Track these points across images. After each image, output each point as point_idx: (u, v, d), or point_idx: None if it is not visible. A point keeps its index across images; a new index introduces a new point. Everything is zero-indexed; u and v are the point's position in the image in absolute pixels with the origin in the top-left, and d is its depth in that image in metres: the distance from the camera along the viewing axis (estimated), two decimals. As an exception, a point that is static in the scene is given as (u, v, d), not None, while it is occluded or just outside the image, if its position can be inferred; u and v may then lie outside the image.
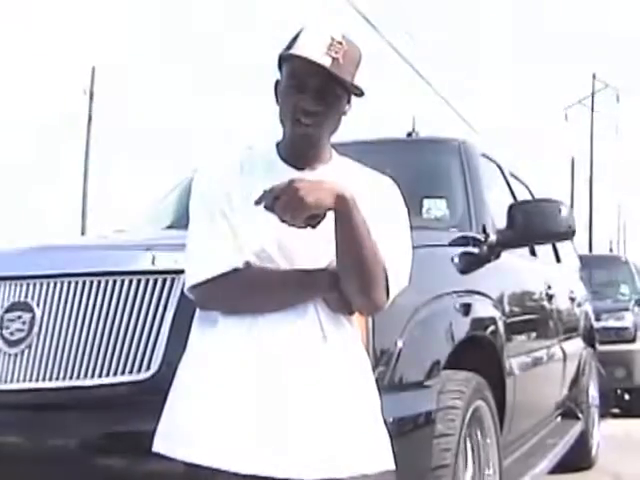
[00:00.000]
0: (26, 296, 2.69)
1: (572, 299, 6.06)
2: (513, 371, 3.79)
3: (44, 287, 2.68)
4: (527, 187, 5.64)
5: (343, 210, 1.90)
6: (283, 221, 1.87)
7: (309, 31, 2.05)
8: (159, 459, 2.00)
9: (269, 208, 1.87)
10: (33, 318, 2.65)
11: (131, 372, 2.53)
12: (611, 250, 36.59)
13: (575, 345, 5.98)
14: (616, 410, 9.43)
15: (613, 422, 8.64)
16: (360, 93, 2.07)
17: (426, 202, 3.89)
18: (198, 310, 2.09)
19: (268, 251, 2.00)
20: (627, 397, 9.65)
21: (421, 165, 4.30)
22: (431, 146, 4.46)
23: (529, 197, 5.42)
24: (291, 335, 1.97)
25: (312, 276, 1.99)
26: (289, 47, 2.05)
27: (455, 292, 3.25)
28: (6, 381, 2.66)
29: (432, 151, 4.40)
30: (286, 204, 1.84)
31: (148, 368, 2.51)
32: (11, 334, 2.67)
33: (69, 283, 2.65)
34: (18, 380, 2.63)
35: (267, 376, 1.95)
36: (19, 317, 2.68)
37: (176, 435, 2.00)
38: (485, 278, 3.68)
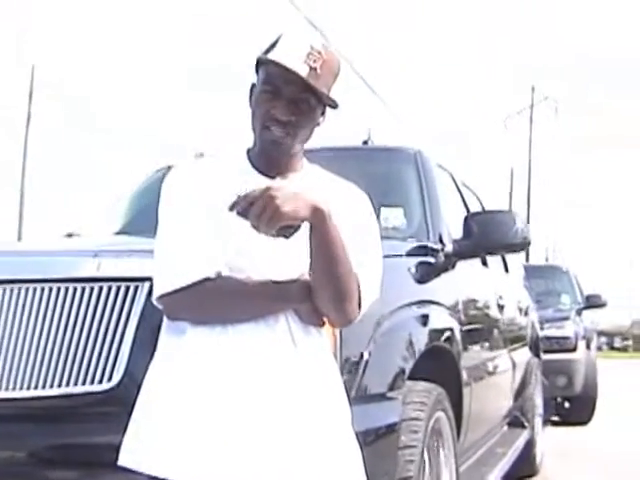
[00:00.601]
0: None
1: (520, 309, 6.11)
2: (469, 381, 3.79)
3: None
4: (477, 197, 5.67)
5: (319, 223, 1.86)
6: (255, 228, 1.81)
7: (289, 38, 2.01)
8: (124, 473, 1.93)
9: (242, 214, 1.80)
10: None
11: (92, 382, 2.44)
12: (547, 259, 37.23)
13: (523, 354, 6.04)
14: (555, 418, 9.56)
15: (553, 430, 8.76)
16: (335, 106, 2.04)
17: (383, 211, 3.85)
18: (166, 319, 2.02)
19: (238, 261, 1.95)
20: (567, 405, 9.79)
21: (377, 174, 4.27)
22: (387, 155, 4.43)
23: (480, 207, 5.45)
24: (261, 345, 1.93)
25: (284, 287, 1.95)
26: (267, 51, 2.01)
27: (415, 303, 3.23)
28: None
29: (388, 160, 4.38)
30: (261, 211, 1.78)
31: (110, 379, 2.43)
32: None
33: (21, 289, 2.55)
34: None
35: (236, 386, 1.90)
36: None
37: (142, 448, 1.94)
38: (442, 288, 3.67)
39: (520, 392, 5.96)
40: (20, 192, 29.46)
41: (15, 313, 2.53)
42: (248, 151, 2.11)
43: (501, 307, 5.04)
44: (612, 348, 39.33)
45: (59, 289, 2.52)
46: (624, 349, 40.80)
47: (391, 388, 2.80)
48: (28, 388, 2.47)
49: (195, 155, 5.03)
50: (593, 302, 11.04)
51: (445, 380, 3.34)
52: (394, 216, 3.88)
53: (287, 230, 1.82)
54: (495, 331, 4.84)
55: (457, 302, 3.81)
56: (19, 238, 29.87)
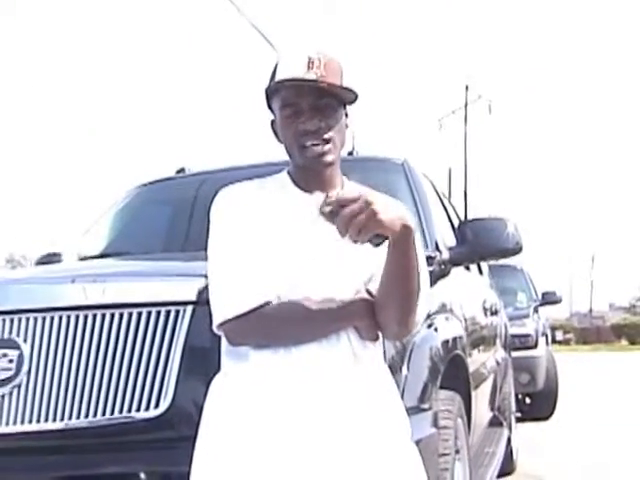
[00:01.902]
0: (10, 332, 2.52)
1: (496, 310, 6.20)
2: (475, 385, 3.84)
3: (31, 322, 2.51)
4: (452, 205, 5.74)
5: (405, 239, 1.85)
6: (340, 232, 1.77)
7: (286, 57, 2.04)
8: None
9: (329, 216, 1.77)
10: (21, 356, 2.49)
11: (138, 410, 2.40)
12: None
13: (500, 354, 6.13)
14: (518, 414, 9.71)
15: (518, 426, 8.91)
16: (354, 97, 2.05)
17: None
18: (226, 344, 2.02)
19: (296, 280, 1.96)
20: (528, 401, 9.95)
21: (367, 185, 4.29)
22: (375, 165, 4.43)
23: (455, 215, 5.52)
24: (326, 363, 1.94)
25: (346, 306, 1.96)
26: (271, 80, 2.03)
27: (431, 313, 3.25)
28: None
29: (377, 170, 4.38)
30: (353, 215, 1.76)
31: (157, 405, 2.40)
32: None
33: (62, 317, 2.50)
34: (8, 423, 2.47)
35: (305, 408, 1.91)
36: (4, 355, 2.50)
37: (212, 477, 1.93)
38: (445, 296, 3.71)
39: (499, 392, 6.05)
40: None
41: (58, 341, 2.48)
42: (288, 172, 2.12)
43: (485, 310, 5.11)
44: (554, 341, 40.07)
45: (96, 315, 2.48)
46: (566, 342, 41.56)
47: (427, 399, 2.84)
48: (70, 418, 2.43)
49: (176, 170, 5.01)
50: (548, 299, 11.25)
51: (458, 386, 3.39)
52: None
53: (377, 238, 1.80)
54: (485, 334, 4.92)
55: (459, 309, 3.86)
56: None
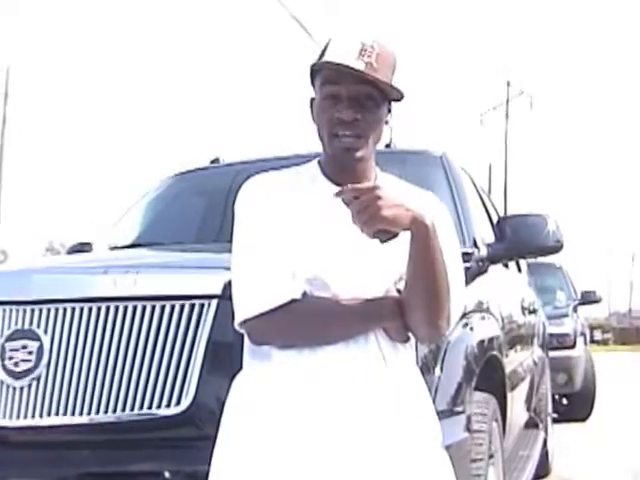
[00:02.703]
0: (31, 323, 2.45)
1: (534, 309, 6.06)
2: (511, 386, 3.73)
3: (52, 313, 2.44)
4: (491, 200, 5.62)
5: (422, 236, 1.78)
6: (354, 222, 1.74)
7: (338, 39, 1.93)
8: None
9: (346, 204, 1.74)
10: (41, 347, 2.42)
11: (159, 407, 2.32)
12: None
13: (538, 353, 5.99)
14: (554, 415, 9.55)
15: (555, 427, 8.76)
16: (400, 96, 1.95)
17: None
18: (249, 343, 1.92)
19: (323, 278, 1.86)
20: (565, 402, 9.78)
21: (404, 178, 4.18)
22: (413, 158, 4.32)
23: (494, 210, 5.40)
24: (353, 366, 1.85)
25: (376, 305, 1.86)
26: (319, 58, 1.92)
27: (467, 312, 3.14)
28: (11, 417, 2.42)
29: (415, 163, 4.27)
30: (363, 207, 1.71)
31: (178, 403, 2.32)
32: (15, 365, 2.43)
33: (82, 309, 2.42)
34: (26, 416, 2.40)
35: (330, 411, 1.82)
36: (24, 346, 2.44)
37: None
38: (482, 295, 3.60)
39: (536, 393, 5.92)
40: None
41: (78, 333, 2.42)
42: (319, 162, 2.02)
43: (523, 309, 4.98)
44: (592, 341, 39.69)
45: (118, 308, 2.41)
46: (604, 342, 41.09)
47: (461, 402, 2.74)
48: (89, 413, 2.37)
49: (210, 160, 4.94)
50: (588, 298, 11.05)
51: (493, 388, 3.28)
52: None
53: (384, 235, 1.75)
54: (522, 333, 4.80)
55: (496, 308, 3.74)
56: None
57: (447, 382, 2.69)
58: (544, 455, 6.31)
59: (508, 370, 3.67)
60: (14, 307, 2.49)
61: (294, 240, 1.86)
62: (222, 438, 1.90)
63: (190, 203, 4.60)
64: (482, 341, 3.12)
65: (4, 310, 2.50)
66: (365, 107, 1.89)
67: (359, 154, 1.91)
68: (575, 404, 9.74)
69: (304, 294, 1.84)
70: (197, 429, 2.28)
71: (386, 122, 1.98)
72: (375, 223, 1.72)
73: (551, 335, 9.34)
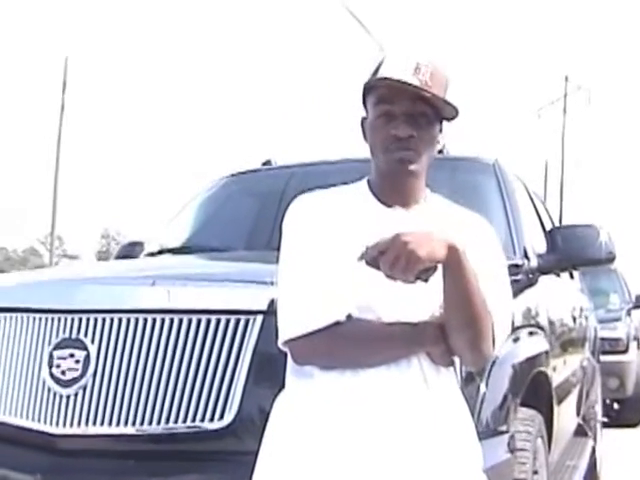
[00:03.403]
0: (78, 332, 2.49)
1: (585, 316, 5.98)
2: (558, 400, 3.69)
3: (100, 323, 2.48)
4: (545, 207, 5.55)
5: (454, 263, 1.76)
6: (390, 277, 1.72)
7: (393, 57, 1.93)
8: None
9: (372, 264, 1.72)
10: (88, 357, 2.46)
11: (203, 420, 2.34)
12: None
13: (588, 362, 5.92)
14: (605, 419, 9.42)
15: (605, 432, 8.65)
16: (454, 114, 1.94)
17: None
18: (291, 362, 1.93)
19: (368, 301, 1.86)
20: (616, 407, 9.65)
21: (455, 186, 4.15)
22: (465, 165, 4.29)
23: (548, 217, 5.34)
24: (395, 388, 1.84)
25: (419, 330, 1.86)
26: (372, 76, 1.93)
27: (515, 326, 3.11)
28: (58, 425, 2.46)
29: (467, 171, 4.25)
30: (395, 258, 1.69)
31: (222, 417, 2.33)
32: (63, 373, 2.47)
33: (129, 320, 2.45)
34: (72, 424, 2.44)
35: (370, 433, 1.82)
36: (71, 355, 2.48)
37: None
38: (531, 307, 3.56)
39: (585, 401, 5.85)
40: (54, 184, 29.62)
41: (125, 344, 2.45)
42: (368, 181, 2.02)
43: (574, 318, 4.92)
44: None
45: (165, 320, 2.43)
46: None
47: (504, 420, 2.71)
48: (134, 424, 2.39)
49: (262, 162, 4.96)
50: (643, 302, 10.86)
51: (540, 403, 3.25)
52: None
53: (425, 273, 1.73)
54: (572, 343, 4.74)
55: (545, 320, 3.71)
56: (52, 231, 30.08)
57: (492, 399, 2.67)
58: (592, 463, 6.24)
59: (556, 383, 3.64)
60: (62, 316, 2.52)
61: (340, 261, 1.86)
62: (263, 457, 1.91)
63: (242, 206, 4.62)
64: (529, 357, 3.09)
65: (52, 319, 2.54)
66: (420, 125, 1.90)
67: (413, 167, 1.91)
68: (626, 409, 9.61)
69: (348, 316, 1.84)
70: (239, 444, 2.29)
71: (438, 142, 1.98)
72: (414, 267, 1.70)
73: (603, 339, 9.20)
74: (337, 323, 1.82)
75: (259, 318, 2.34)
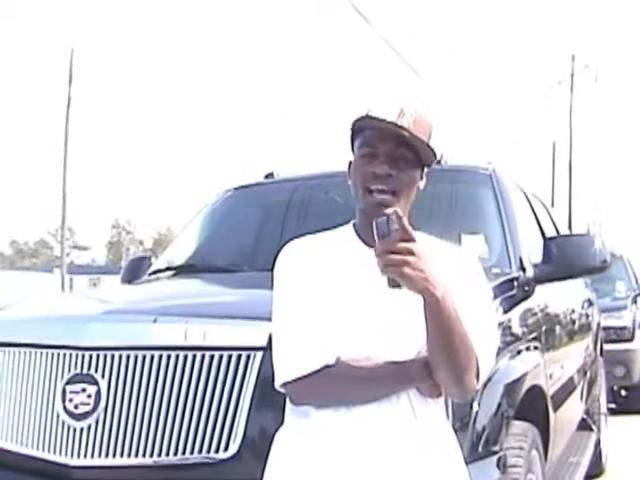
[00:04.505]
0: (89, 368, 2.62)
1: (587, 313, 6.07)
2: (554, 407, 3.79)
3: (109, 359, 2.61)
4: (546, 208, 5.63)
5: (432, 305, 1.85)
6: (376, 256, 1.81)
7: (378, 101, 2.02)
8: None
9: (379, 234, 1.81)
10: (99, 391, 2.59)
11: (209, 451, 2.48)
12: (588, 231, 36.62)
13: (591, 358, 6.00)
14: (612, 406, 9.51)
15: (611, 420, 8.73)
16: (433, 159, 2.04)
17: (464, 239, 3.83)
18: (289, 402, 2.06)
19: (357, 340, 1.97)
20: (624, 393, 9.74)
21: (452, 197, 4.26)
22: (462, 176, 4.38)
23: (550, 221, 5.42)
24: (385, 422, 1.95)
25: (406, 368, 1.96)
26: (359, 120, 2.02)
27: (508, 343, 3.22)
28: (72, 456, 2.60)
29: (463, 182, 4.34)
30: (390, 249, 1.79)
31: (226, 449, 2.47)
32: (75, 407, 2.61)
33: (137, 356, 2.59)
34: (86, 456, 2.58)
35: (364, 465, 1.93)
36: (83, 390, 2.61)
37: None
38: (526, 320, 3.66)
39: (588, 396, 5.94)
40: (63, 176, 29.74)
41: (133, 379, 2.57)
42: (354, 224, 2.12)
43: (573, 321, 5.02)
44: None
45: (170, 356, 2.56)
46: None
47: (496, 440, 2.81)
48: (144, 455, 2.53)
49: (265, 175, 5.05)
50: (649, 289, 10.91)
51: (534, 415, 3.35)
52: (476, 245, 3.85)
53: (394, 281, 1.82)
54: (570, 345, 4.83)
55: (541, 331, 3.81)
56: (63, 223, 30.21)
57: (484, 419, 2.76)
58: (597, 455, 6.34)
59: (553, 391, 3.74)
60: (73, 352, 2.66)
61: (329, 304, 1.98)
62: None
63: (246, 220, 4.72)
64: (522, 374, 3.19)
65: (64, 354, 2.68)
66: (399, 167, 1.98)
67: (391, 211, 1.95)
68: (633, 396, 9.69)
69: (339, 357, 1.96)
70: (243, 473, 2.41)
71: (418, 188, 2.05)
72: (392, 273, 1.79)
73: (609, 328, 9.29)
74: (327, 367, 1.94)
75: (259, 354, 2.47)
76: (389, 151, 1.98)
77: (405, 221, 1.82)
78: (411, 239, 1.81)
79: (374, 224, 1.82)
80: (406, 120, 1.97)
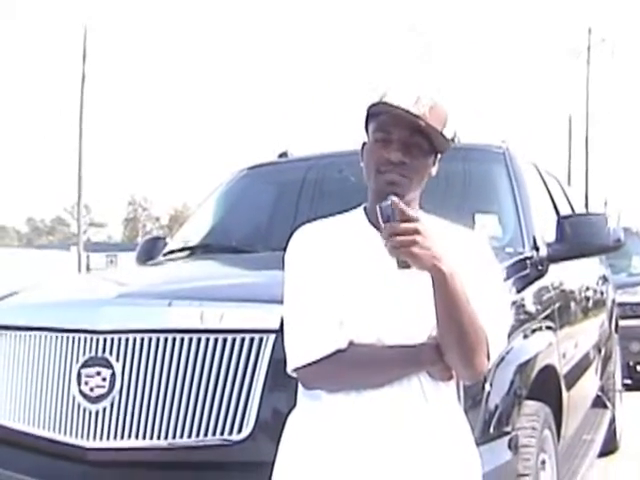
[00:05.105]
0: (104, 351, 2.65)
1: (602, 290, 6.05)
2: (567, 386, 3.80)
3: (123, 342, 2.63)
4: (560, 184, 5.61)
5: (440, 283, 1.87)
6: (383, 237, 1.84)
7: (396, 88, 2.03)
8: None
9: (385, 220, 1.83)
10: (113, 375, 2.62)
11: (222, 433, 2.50)
12: (605, 205, 36.42)
13: (606, 335, 6.00)
14: (628, 382, 9.50)
15: (627, 396, 8.72)
16: (447, 147, 2.04)
17: (478, 218, 3.82)
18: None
19: (368, 324, 1.99)
20: (639, 369, 9.73)
21: (465, 176, 4.24)
22: (475, 155, 4.36)
23: (564, 197, 5.39)
24: (395, 405, 1.97)
25: (416, 352, 1.97)
26: (375, 104, 2.03)
27: (520, 322, 3.22)
28: (88, 438, 2.63)
29: (476, 160, 4.32)
30: (397, 231, 1.81)
31: (240, 430, 2.49)
32: (91, 390, 2.64)
33: (151, 339, 2.61)
34: (101, 438, 2.61)
35: (374, 449, 1.95)
36: (98, 373, 2.64)
37: None
38: (541, 300, 3.66)
39: (602, 373, 5.94)
40: (78, 153, 29.83)
41: (147, 361, 2.60)
42: (365, 208, 2.13)
43: (587, 299, 5.02)
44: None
45: (184, 339, 2.58)
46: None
47: (507, 420, 2.83)
48: (159, 437, 2.56)
49: (279, 154, 5.06)
50: (666, 264, 10.85)
51: (547, 395, 3.36)
52: (490, 224, 3.84)
53: (403, 261, 1.84)
54: (584, 323, 4.83)
55: (554, 310, 3.81)
56: (79, 200, 30.33)
57: (496, 399, 2.77)
58: (612, 432, 6.34)
59: (566, 370, 3.74)
60: (87, 335, 2.69)
61: (340, 289, 1.99)
62: (277, 472, 2.07)
63: (261, 199, 4.73)
64: (535, 354, 3.20)
65: (79, 338, 2.71)
66: (413, 154, 1.99)
67: (400, 191, 1.98)
68: (650, 372, 9.67)
69: (351, 341, 1.97)
70: (257, 456, 2.43)
71: (430, 174, 2.06)
72: (401, 253, 1.82)
73: (625, 304, 9.27)
74: (338, 351, 1.95)
75: (272, 337, 2.49)
76: (403, 138, 1.99)
77: (403, 205, 1.84)
78: (414, 219, 1.83)
79: (378, 209, 1.85)
80: (422, 108, 1.97)
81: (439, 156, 2.06)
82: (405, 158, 1.98)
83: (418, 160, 2.00)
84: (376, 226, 2.03)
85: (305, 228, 2.12)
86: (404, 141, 1.98)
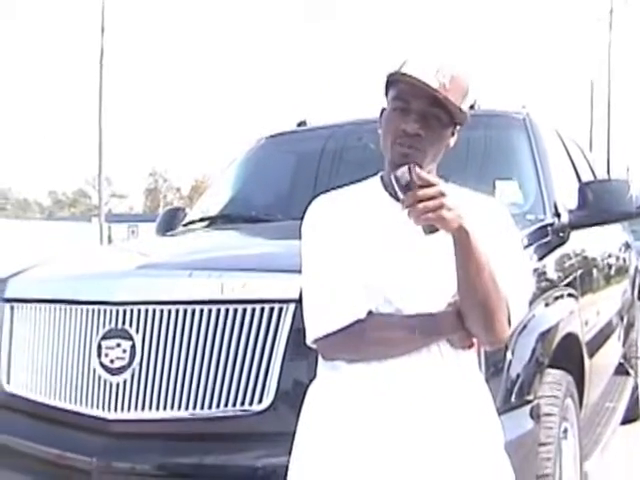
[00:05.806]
0: (124, 323, 2.65)
1: (624, 257, 6.00)
2: (589, 354, 3.77)
3: (143, 314, 2.63)
4: (582, 150, 5.54)
5: (462, 243, 1.85)
6: (404, 206, 1.81)
7: (417, 57, 1.99)
8: None
9: (402, 187, 1.81)
10: (133, 346, 2.62)
11: (243, 404, 2.51)
12: (628, 172, 36.10)
13: (627, 302, 5.95)
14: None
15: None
16: (466, 119, 2.01)
17: (498, 185, 3.79)
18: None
19: (387, 293, 1.97)
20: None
21: (486, 142, 4.20)
22: (495, 121, 4.31)
23: (587, 164, 5.33)
24: (415, 373, 1.96)
25: (436, 320, 1.96)
26: (395, 71, 2.00)
27: (543, 289, 3.20)
28: (109, 410, 2.64)
29: (498, 126, 4.27)
30: (418, 198, 1.79)
31: (260, 401, 2.50)
32: (111, 362, 2.65)
33: (171, 311, 2.61)
34: (123, 409, 2.62)
35: (394, 419, 1.95)
36: (118, 345, 2.64)
37: None
38: (561, 267, 3.63)
39: (625, 340, 5.91)
40: (99, 126, 29.90)
41: (167, 333, 2.60)
42: (382, 177, 2.11)
43: (609, 266, 4.97)
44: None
45: (203, 310, 2.58)
46: None
47: (529, 389, 2.81)
48: (179, 408, 2.56)
49: (297, 123, 5.03)
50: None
51: (569, 363, 3.34)
52: (511, 191, 3.81)
53: (429, 226, 1.82)
54: (606, 291, 4.80)
55: (576, 277, 3.78)
56: (100, 172, 30.44)
57: (518, 368, 2.76)
58: (634, 400, 6.31)
59: (588, 338, 3.72)
60: (107, 307, 2.69)
61: (358, 259, 1.97)
62: (299, 442, 2.07)
63: (280, 168, 4.72)
64: (557, 322, 3.17)
65: (99, 310, 2.71)
66: (430, 125, 1.96)
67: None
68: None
69: (370, 311, 1.96)
70: (278, 426, 2.43)
71: (448, 145, 2.03)
72: (430, 220, 1.80)
73: (646, 271, 9.19)
74: (358, 321, 1.94)
75: (292, 306, 2.48)
76: (422, 109, 1.96)
77: (419, 170, 1.82)
78: (433, 183, 1.81)
79: (393, 177, 1.83)
80: (442, 78, 1.94)
81: (457, 127, 2.03)
82: (421, 130, 1.95)
83: (435, 132, 1.97)
84: (393, 195, 2.02)
85: (320, 199, 2.10)
86: (422, 112, 1.95)
